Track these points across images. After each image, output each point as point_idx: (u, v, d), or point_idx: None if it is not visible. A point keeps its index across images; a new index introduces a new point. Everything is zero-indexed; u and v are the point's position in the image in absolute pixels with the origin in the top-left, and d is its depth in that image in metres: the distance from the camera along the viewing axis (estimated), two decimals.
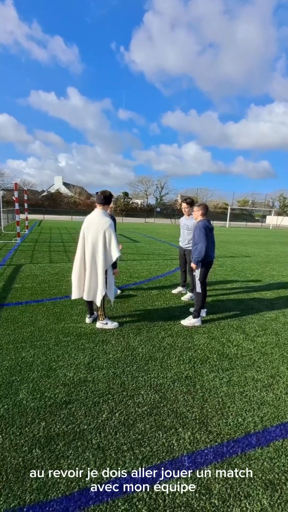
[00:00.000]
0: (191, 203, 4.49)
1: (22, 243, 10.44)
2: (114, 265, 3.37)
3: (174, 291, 4.95)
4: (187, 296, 4.65)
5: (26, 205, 16.23)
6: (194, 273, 3.66)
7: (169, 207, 56.05)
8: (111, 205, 3.56)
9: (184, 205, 4.54)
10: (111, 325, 3.41)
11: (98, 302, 3.31)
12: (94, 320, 3.55)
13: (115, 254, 3.19)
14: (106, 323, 3.40)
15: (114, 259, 3.22)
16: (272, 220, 44.98)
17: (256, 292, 5.23)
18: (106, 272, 3.27)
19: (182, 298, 4.62)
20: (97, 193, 3.34)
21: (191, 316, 3.64)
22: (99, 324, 3.41)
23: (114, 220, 3.89)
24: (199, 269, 3.56)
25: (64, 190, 53.79)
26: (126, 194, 55.21)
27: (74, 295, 3.38)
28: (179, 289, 4.96)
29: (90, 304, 3.50)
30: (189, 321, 3.59)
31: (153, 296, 4.71)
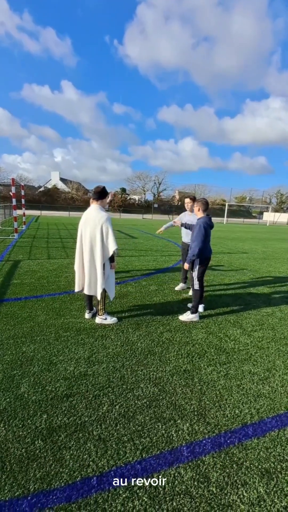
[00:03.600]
0: (194, 198, 4.50)
1: (20, 239, 10.41)
2: (112, 259, 3.40)
3: (177, 288, 4.98)
4: (179, 286, 4.94)
5: (23, 201, 16.14)
6: (191, 271, 3.69)
7: (167, 203, 55.96)
8: (109, 198, 3.54)
9: (187, 200, 4.54)
10: (110, 320, 3.45)
11: (98, 296, 3.34)
12: (94, 315, 3.58)
13: (112, 247, 3.21)
14: (105, 318, 3.43)
15: (111, 252, 3.24)
16: (269, 217, 45.17)
17: (253, 288, 5.29)
18: (104, 266, 3.30)
19: (175, 288, 4.93)
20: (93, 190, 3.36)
21: (189, 312, 3.69)
22: (98, 319, 3.45)
23: None
24: (197, 267, 3.59)
25: (61, 185, 53.44)
26: (123, 190, 55.02)
27: (77, 288, 3.48)
28: (181, 285, 4.99)
29: (90, 299, 3.53)
30: (187, 316, 3.63)
31: (152, 291, 4.75)
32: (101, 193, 3.29)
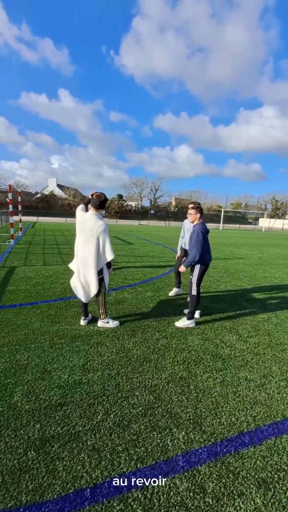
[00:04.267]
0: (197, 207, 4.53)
1: (16, 245, 10.36)
2: (109, 265, 3.41)
3: (171, 293, 4.97)
4: (173, 292, 4.93)
5: (20, 207, 16.11)
6: (191, 277, 3.68)
7: (163, 209, 56.28)
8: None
9: (191, 207, 4.52)
10: (112, 324, 3.46)
11: (95, 296, 3.36)
12: (89, 322, 3.55)
13: (109, 256, 3.23)
14: (108, 322, 3.45)
15: (108, 259, 3.26)
16: (264, 223, 45.54)
17: (249, 294, 5.30)
18: (101, 271, 3.33)
19: (169, 293, 4.91)
20: (92, 195, 3.27)
21: (185, 318, 3.68)
22: (100, 323, 3.45)
23: None
24: (197, 272, 3.58)
25: (58, 192, 53.54)
26: (120, 196, 55.23)
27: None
28: (176, 290, 4.98)
29: (85, 305, 3.51)
30: (183, 323, 3.62)
31: (148, 298, 4.73)
32: (102, 204, 3.27)
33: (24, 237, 13.58)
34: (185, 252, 4.70)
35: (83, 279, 3.31)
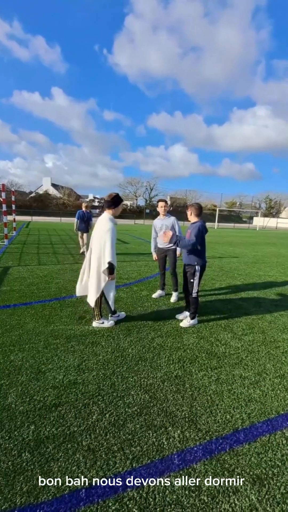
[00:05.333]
0: (167, 201, 4.53)
1: (10, 245, 10.26)
2: (111, 271, 3.24)
3: (155, 295, 4.76)
4: (174, 297, 4.63)
5: (13, 206, 15.94)
6: (192, 280, 3.59)
7: None
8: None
9: (161, 203, 4.41)
10: (108, 323, 3.45)
11: (91, 303, 3.35)
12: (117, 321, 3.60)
13: (107, 256, 3.14)
14: (103, 322, 3.45)
15: (105, 263, 3.17)
16: (259, 221, 45.88)
17: (244, 292, 5.33)
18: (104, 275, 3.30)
19: (171, 300, 4.61)
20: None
21: (188, 317, 3.68)
22: (95, 324, 3.45)
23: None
24: (198, 274, 3.55)
25: (52, 191, 53.17)
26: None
27: (77, 293, 3.52)
28: (160, 292, 4.82)
29: (105, 303, 3.52)
30: (188, 322, 3.63)
31: (143, 297, 4.73)
32: (111, 202, 3.24)
33: (18, 237, 13.45)
34: (165, 252, 4.55)
35: (90, 280, 3.33)
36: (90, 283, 3.34)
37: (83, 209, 8.42)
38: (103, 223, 3.23)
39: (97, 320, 3.44)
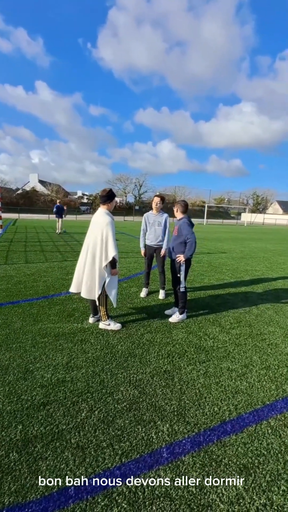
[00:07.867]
0: (163, 198, 4.48)
1: None
2: (113, 265, 3.19)
3: (142, 294, 4.69)
4: (162, 295, 4.61)
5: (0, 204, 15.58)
6: (178, 275, 3.62)
7: (148, 205, 56.16)
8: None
9: (157, 199, 4.40)
10: (114, 326, 3.33)
11: (97, 300, 3.23)
12: (98, 321, 3.47)
13: (111, 252, 3.09)
14: (109, 324, 3.34)
15: (110, 257, 3.11)
16: (246, 217, 46.58)
17: (232, 287, 5.41)
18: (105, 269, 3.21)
19: (160, 297, 4.61)
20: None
21: (177, 313, 3.70)
22: (101, 325, 3.36)
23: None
24: (184, 268, 3.58)
25: (40, 188, 52.14)
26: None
27: (72, 289, 3.39)
28: (146, 290, 4.73)
29: (94, 303, 3.41)
30: (177, 318, 3.66)
31: (132, 293, 4.73)
32: (106, 197, 3.21)
33: (5, 234, 13.16)
34: (154, 250, 4.46)
35: (87, 277, 3.22)
36: (90, 279, 3.21)
37: (58, 203, 13.99)
38: (101, 218, 3.17)
39: (104, 321, 3.33)
